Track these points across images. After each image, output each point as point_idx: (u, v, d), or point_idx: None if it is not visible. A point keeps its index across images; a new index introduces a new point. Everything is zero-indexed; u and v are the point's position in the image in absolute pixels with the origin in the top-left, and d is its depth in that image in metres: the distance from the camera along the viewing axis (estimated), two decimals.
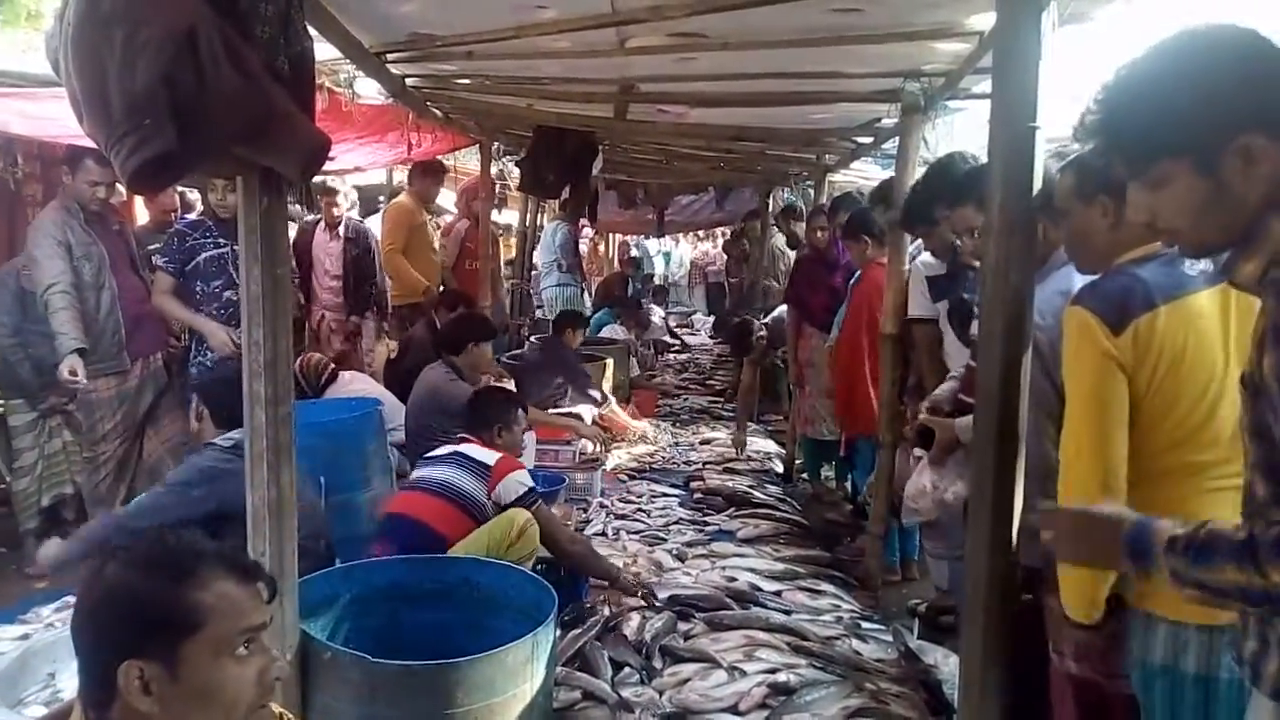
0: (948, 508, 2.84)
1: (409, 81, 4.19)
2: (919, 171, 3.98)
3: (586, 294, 10.01)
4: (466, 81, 4.39)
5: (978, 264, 2.92)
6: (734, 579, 3.81)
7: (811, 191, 7.41)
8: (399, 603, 2.75)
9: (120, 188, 4.45)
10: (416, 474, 3.54)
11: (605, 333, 9.00)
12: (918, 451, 2.99)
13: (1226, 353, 1.74)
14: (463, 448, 3.48)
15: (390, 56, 3.69)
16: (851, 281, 4.52)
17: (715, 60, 3.56)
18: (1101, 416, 1.75)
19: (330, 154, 2.11)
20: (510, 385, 5.78)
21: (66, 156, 4.19)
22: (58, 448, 4.63)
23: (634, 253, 14.92)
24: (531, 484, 3.41)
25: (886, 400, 3.87)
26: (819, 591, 3.78)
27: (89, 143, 3.83)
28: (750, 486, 5.28)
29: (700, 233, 15.86)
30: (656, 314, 12.35)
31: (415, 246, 6.19)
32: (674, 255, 17.13)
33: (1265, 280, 1.20)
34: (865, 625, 3.50)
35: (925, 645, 3.34)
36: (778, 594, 3.69)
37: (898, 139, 4.11)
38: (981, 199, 2.12)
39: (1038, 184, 2.01)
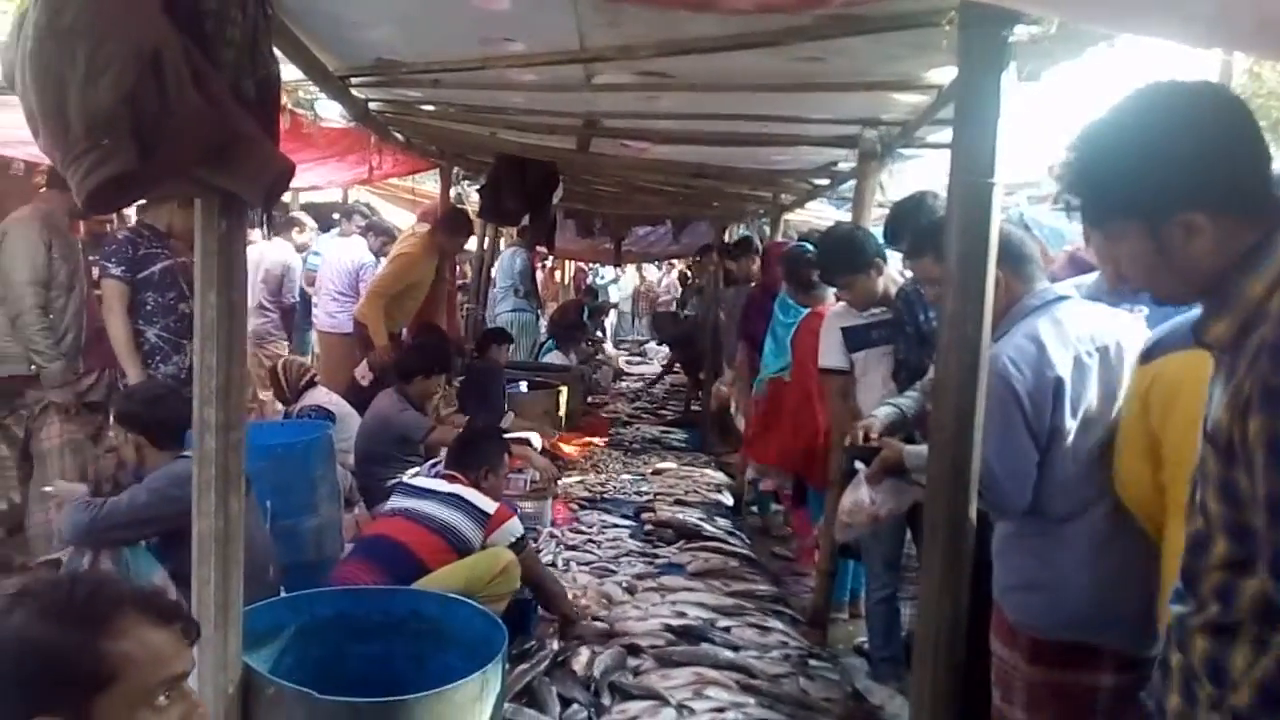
0: (879, 525, 2.88)
1: (372, 106, 4.17)
2: (873, 214, 4.08)
3: (541, 320, 9.99)
4: (430, 108, 4.38)
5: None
6: (683, 614, 3.80)
7: (766, 228, 7.51)
8: (344, 634, 2.70)
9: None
10: (404, 503, 3.50)
11: (549, 358, 8.98)
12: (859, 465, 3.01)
13: None
14: (461, 491, 3.48)
15: (354, 81, 3.68)
16: (790, 328, 4.54)
17: (680, 99, 3.61)
18: None
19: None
20: (456, 415, 5.78)
21: (56, 173, 4.13)
22: None
23: (593, 280, 14.95)
24: (522, 532, 3.52)
25: (837, 443, 3.90)
26: (767, 628, 3.78)
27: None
28: (700, 519, 5.29)
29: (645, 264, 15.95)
30: (609, 344, 12.41)
31: (408, 295, 5.96)
32: (621, 283, 17.20)
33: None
34: (813, 663, 3.52)
35: (873, 686, 3.37)
36: (727, 630, 3.69)
37: (854, 182, 4.20)
38: (940, 250, 2.16)
39: (993, 238, 2.06)
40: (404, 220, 8.91)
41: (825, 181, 5.44)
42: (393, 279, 5.88)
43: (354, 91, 3.80)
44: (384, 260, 6.46)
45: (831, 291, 3.87)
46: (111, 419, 3.85)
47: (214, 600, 2.11)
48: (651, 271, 16.85)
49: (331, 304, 6.72)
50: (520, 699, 3.00)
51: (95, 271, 4.36)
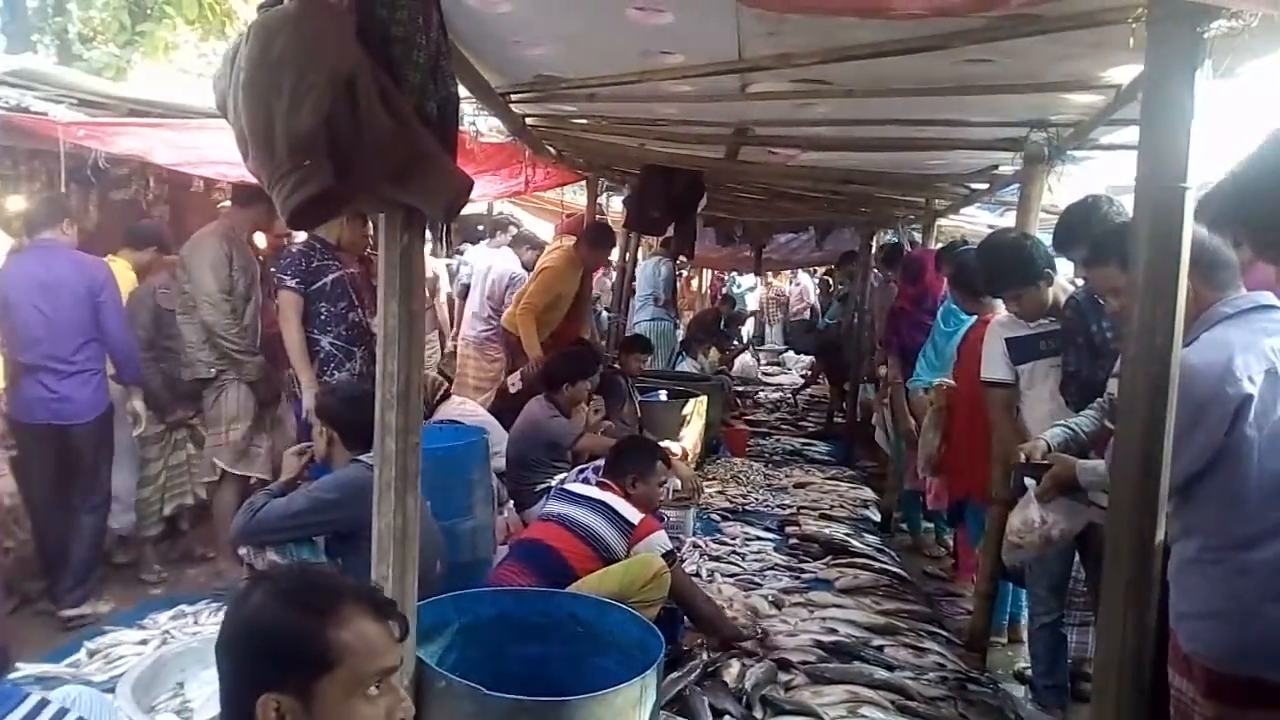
0: (1052, 546, 2.74)
1: (528, 120, 4.30)
2: (1039, 220, 3.91)
3: (679, 329, 10.05)
4: (583, 121, 4.49)
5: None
6: (834, 630, 3.73)
7: (917, 235, 7.31)
8: (505, 634, 2.78)
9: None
10: (558, 508, 3.55)
11: (683, 367, 8.99)
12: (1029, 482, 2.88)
13: None
14: (610, 499, 3.51)
15: (514, 97, 3.80)
16: (958, 336, 4.39)
17: (835, 106, 3.56)
18: None
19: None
20: (605, 422, 5.86)
21: (249, 190, 4.54)
22: (181, 460, 4.87)
23: (730, 287, 14.92)
24: (671, 547, 3.47)
25: (998, 458, 3.75)
26: (922, 649, 3.66)
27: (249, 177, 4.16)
28: (847, 534, 5.18)
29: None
30: (747, 353, 12.33)
31: (554, 307, 6.08)
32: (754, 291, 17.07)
33: None
34: (971, 687, 3.38)
35: (1036, 714, 3.22)
36: (880, 649, 3.60)
37: (1018, 187, 4.03)
38: (1125, 259, 2.05)
39: (1185, 246, 1.94)
40: (546, 231, 9.17)
41: (984, 186, 5.25)
42: (541, 292, 6.03)
43: (513, 107, 3.93)
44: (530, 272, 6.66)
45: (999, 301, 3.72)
46: (313, 410, 4.12)
47: (390, 595, 2.21)
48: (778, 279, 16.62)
49: (481, 313, 6.96)
50: (671, 707, 3.01)
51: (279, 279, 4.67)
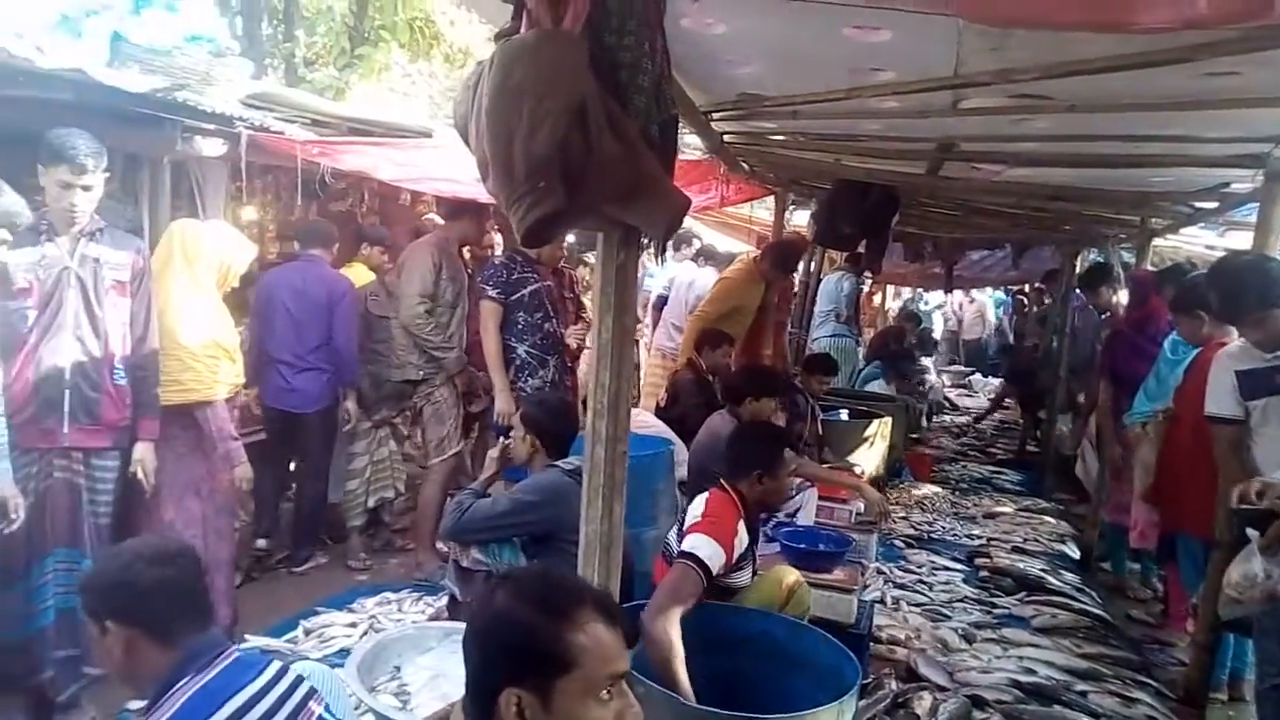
0: (1277, 602, 2.50)
1: (725, 137, 4.35)
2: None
3: (860, 347, 9.82)
4: (780, 137, 4.49)
5: None
6: (1032, 671, 3.55)
7: (1127, 255, 6.84)
8: (693, 646, 2.80)
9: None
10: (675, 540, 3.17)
11: (872, 388, 8.76)
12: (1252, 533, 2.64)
13: None
14: (695, 502, 3.12)
15: (715, 115, 3.85)
16: (1184, 364, 4.08)
17: (1054, 121, 3.40)
18: None
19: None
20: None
21: (455, 205, 4.99)
22: (384, 455, 5.23)
23: (915, 305, 14.43)
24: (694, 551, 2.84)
25: (1224, 495, 3.46)
26: (1131, 698, 3.43)
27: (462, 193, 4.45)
28: (1043, 570, 4.91)
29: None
30: (932, 373, 11.87)
31: (731, 320, 5.98)
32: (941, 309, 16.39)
33: None
34: None
35: None
36: (1083, 694, 3.39)
37: (1257, 206, 3.71)
38: None
39: None
40: (728, 246, 9.20)
41: (1212, 205, 4.86)
42: (715, 302, 6.09)
43: (713, 125, 3.98)
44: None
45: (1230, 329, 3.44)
46: (504, 414, 4.37)
47: None
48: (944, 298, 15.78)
49: (665, 325, 7.07)
50: None
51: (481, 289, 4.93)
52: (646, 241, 2.28)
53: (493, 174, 1.97)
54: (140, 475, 3.36)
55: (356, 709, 2.42)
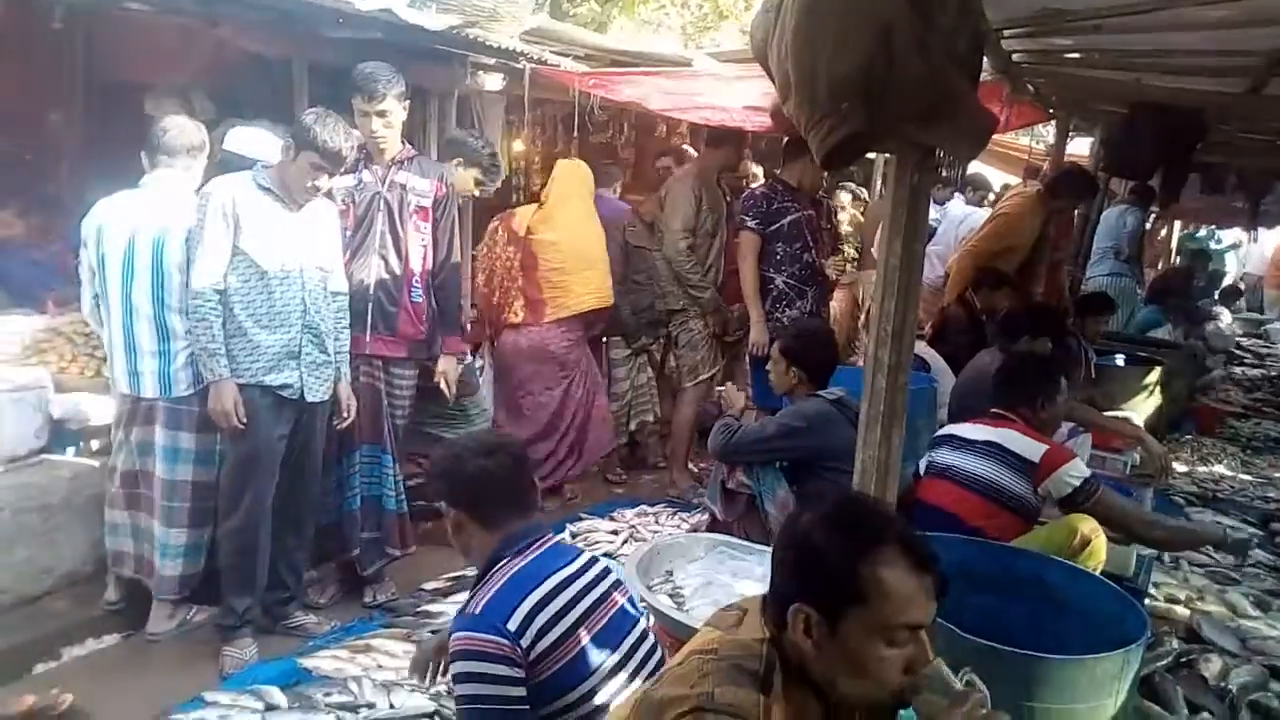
0: None
1: (1014, 57, 4.07)
2: None
3: (1140, 287, 8.96)
4: (1075, 56, 4.14)
5: None
6: None
7: None
8: (963, 583, 2.76)
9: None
10: (947, 459, 3.24)
11: (1154, 334, 7.99)
12: None
13: None
14: (999, 435, 3.13)
15: (1006, 33, 3.61)
16: None
17: None
18: None
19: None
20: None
21: (719, 133, 5.00)
22: (643, 381, 5.47)
23: (1205, 243, 12.88)
24: (1087, 474, 3.00)
25: None
26: None
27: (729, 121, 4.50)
28: None
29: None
30: (1224, 319, 10.65)
31: (1003, 257, 5.67)
32: (1245, 250, 14.47)
33: None
34: None
35: None
36: None
37: None
38: None
39: None
40: (995, 177, 8.63)
41: None
42: (992, 238, 5.72)
43: (1003, 43, 3.74)
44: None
45: None
46: (760, 344, 4.44)
47: None
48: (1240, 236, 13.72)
49: (930, 258, 6.79)
50: (1138, 689, 2.81)
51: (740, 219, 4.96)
52: (944, 161, 2.21)
53: (794, 96, 1.99)
54: (443, 386, 3.71)
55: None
